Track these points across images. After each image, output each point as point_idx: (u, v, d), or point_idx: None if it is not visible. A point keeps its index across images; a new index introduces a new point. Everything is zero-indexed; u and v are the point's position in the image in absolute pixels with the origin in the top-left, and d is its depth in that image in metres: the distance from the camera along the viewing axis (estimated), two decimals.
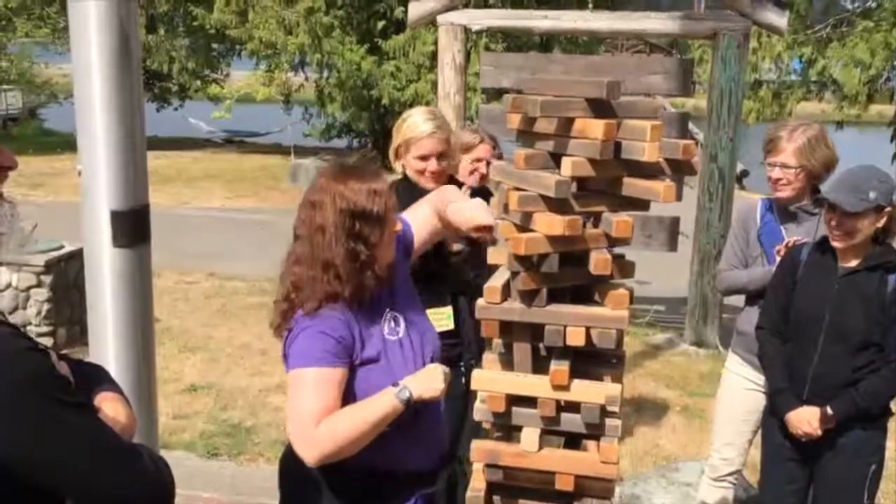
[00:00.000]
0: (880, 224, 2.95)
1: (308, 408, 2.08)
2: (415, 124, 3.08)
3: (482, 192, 3.34)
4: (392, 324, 2.27)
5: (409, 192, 3.04)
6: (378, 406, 2.11)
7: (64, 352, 1.50)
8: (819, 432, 3.02)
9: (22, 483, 1.23)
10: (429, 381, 2.16)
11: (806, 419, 3.03)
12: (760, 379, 3.38)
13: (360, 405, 2.12)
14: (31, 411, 1.22)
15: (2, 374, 1.20)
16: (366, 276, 2.15)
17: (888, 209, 2.92)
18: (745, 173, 16.39)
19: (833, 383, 3.01)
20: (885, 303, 2.95)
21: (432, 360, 2.34)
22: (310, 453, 2.08)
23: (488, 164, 3.51)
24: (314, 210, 2.16)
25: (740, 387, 3.53)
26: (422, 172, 3.07)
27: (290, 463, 2.41)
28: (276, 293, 2.28)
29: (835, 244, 2.99)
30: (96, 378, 1.55)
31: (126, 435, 1.40)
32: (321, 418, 2.07)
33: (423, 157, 3.06)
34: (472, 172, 3.58)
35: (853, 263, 3.01)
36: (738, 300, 3.73)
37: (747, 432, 3.55)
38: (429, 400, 2.17)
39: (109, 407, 1.44)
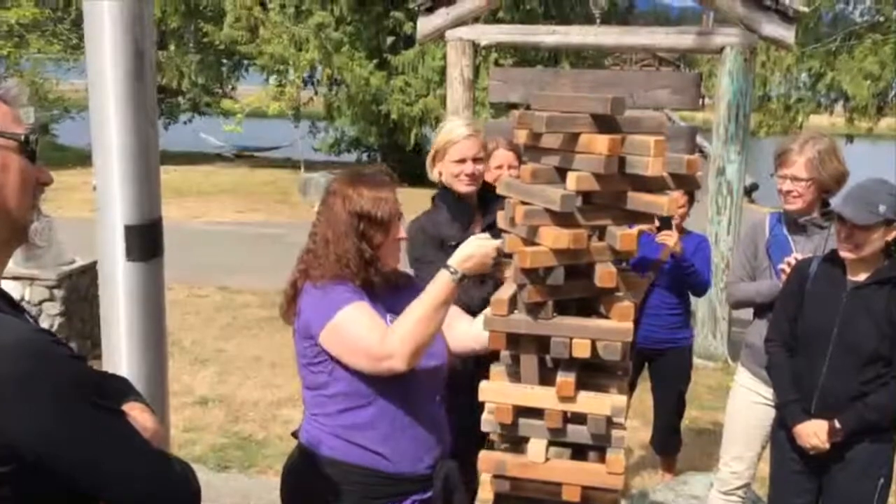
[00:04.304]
0: (890, 238, 2.95)
1: (365, 334, 2.22)
2: (450, 129, 3.16)
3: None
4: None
5: (447, 198, 3.18)
6: (436, 290, 2.22)
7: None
8: (827, 445, 3.03)
9: (58, 483, 1.27)
10: (478, 258, 2.25)
11: (814, 432, 3.04)
12: (769, 392, 3.38)
13: (421, 296, 2.23)
14: (72, 413, 1.27)
15: (45, 377, 1.24)
16: (370, 272, 2.33)
17: None
18: (754, 186, 16.31)
19: (841, 396, 3.01)
20: (893, 317, 2.95)
21: (439, 370, 2.40)
22: (398, 361, 2.18)
23: (511, 168, 3.57)
24: (327, 209, 2.36)
25: (749, 400, 3.53)
26: (457, 176, 3.11)
27: (289, 472, 2.46)
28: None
29: (843, 254, 2.99)
30: (123, 390, 1.60)
31: (154, 443, 1.44)
32: (382, 333, 2.20)
33: (460, 161, 3.10)
34: (494, 180, 3.63)
35: (862, 277, 3.01)
36: (747, 313, 3.73)
37: (756, 446, 3.55)
38: (479, 273, 2.29)
39: (138, 416, 1.49)
